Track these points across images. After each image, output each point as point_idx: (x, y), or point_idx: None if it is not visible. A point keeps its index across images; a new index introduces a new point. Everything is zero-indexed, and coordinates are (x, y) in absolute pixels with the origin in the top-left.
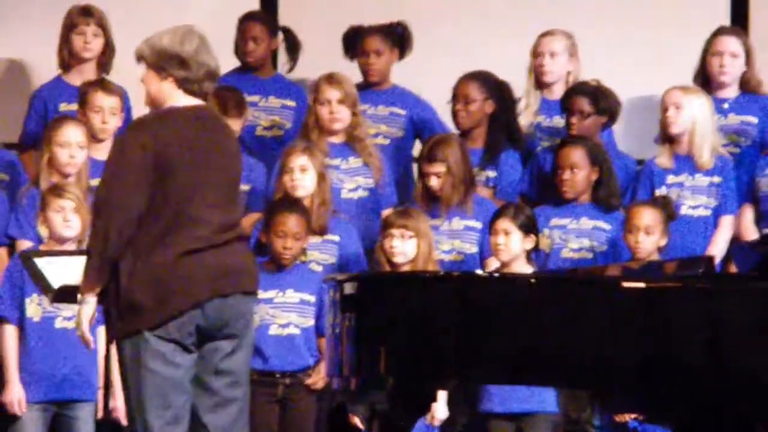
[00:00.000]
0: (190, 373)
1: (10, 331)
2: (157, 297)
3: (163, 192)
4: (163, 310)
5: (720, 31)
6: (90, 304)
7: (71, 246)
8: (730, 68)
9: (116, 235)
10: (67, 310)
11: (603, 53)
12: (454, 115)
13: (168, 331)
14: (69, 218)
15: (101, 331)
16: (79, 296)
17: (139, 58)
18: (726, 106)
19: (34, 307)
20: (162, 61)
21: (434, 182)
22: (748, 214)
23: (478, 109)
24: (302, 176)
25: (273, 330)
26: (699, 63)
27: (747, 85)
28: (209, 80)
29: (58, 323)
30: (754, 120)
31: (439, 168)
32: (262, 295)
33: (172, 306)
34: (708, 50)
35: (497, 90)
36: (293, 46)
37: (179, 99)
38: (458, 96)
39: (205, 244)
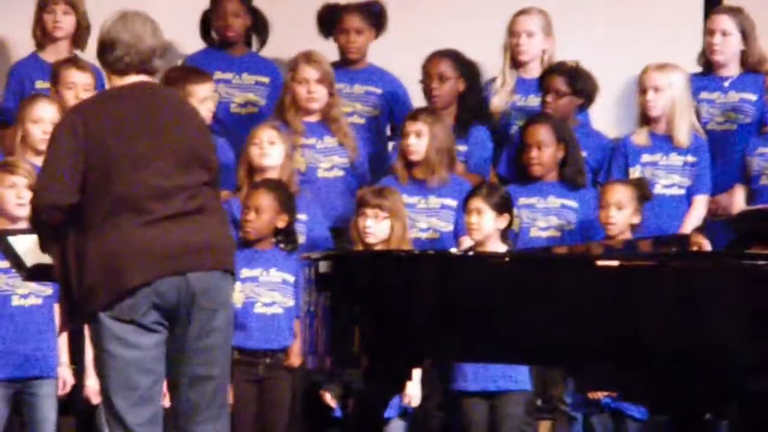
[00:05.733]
0: (155, 352)
1: None
2: (107, 276)
3: (104, 171)
4: (114, 289)
5: (713, 10)
6: None
7: (23, 224)
8: (722, 46)
9: (45, 218)
10: (23, 287)
11: (576, 31)
12: (428, 92)
13: (123, 311)
14: (22, 195)
15: None
16: None
17: None
18: (727, 84)
19: None
20: (100, 58)
21: (413, 141)
22: (740, 193)
23: (452, 87)
24: (270, 147)
25: (258, 308)
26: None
27: (747, 63)
28: (140, 54)
29: (15, 301)
30: (753, 97)
31: (420, 127)
32: (247, 273)
33: (122, 284)
34: (705, 30)
35: (467, 69)
36: (262, 26)
37: (119, 81)
38: (432, 74)
39: (156, 218)
